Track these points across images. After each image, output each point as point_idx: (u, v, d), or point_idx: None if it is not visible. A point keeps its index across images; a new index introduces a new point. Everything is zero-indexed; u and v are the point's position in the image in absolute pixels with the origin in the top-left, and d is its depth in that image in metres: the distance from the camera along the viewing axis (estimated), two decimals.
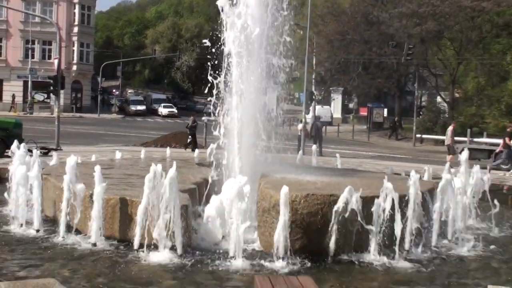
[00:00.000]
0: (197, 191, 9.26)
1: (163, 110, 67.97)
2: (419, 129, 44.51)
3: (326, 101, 61.59)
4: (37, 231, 8.46)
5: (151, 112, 69.17)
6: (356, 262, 7.58)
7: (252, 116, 9.94)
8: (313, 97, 36.77)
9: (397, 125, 49.17)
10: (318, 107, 50.62)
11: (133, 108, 67.15)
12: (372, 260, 7.63)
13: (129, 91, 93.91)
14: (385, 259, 7.64)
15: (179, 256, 7.33)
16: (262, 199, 8.02)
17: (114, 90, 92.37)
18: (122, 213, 7.92)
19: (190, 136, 26.34)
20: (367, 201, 7.75)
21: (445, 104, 48.43)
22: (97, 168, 7.90)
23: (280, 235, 7.30)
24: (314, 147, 17.96)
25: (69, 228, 8.26)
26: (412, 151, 37.72)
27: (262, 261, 7.33)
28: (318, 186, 8.68)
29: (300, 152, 16.35)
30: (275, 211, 7.66)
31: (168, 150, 15.60)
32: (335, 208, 7.49)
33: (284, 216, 7.32)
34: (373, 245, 7.72)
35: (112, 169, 11.13)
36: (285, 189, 7.37)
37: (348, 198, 7.50)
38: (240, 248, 7.27)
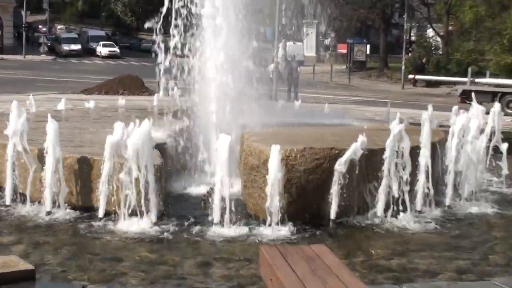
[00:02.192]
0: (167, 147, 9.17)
1: (102, 50, 66.87)
2: (408, 68, 44.93)
3: (297, 36, 61.40)
4: None
5: (88, 52, 67.91)
6: (363, 225, 7.70)
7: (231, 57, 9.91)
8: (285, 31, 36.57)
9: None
10: (289, 43, 50.39)
11: (65, 47, 65.80)
12: (380, 222, 7.76)
13: (59, 27, 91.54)
14: (395, 220, 7.78)
15: (154, 224, 7.32)
16: (249, 154, 8.00)
17: (40, 26, 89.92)
18: (82, 174, 7.81)
19: None
20: (374, 155, 7.84)
21: (438, 39, 48.88)
22: (50, 119, 7.73)
23: (272, 197, 7.30)
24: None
25: (16, 195, 8.13)
26: (401, 95, 38.20)
27: (252, 228, 7.36)
28: (315, 137, 8.70)
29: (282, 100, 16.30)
30: (265, 169, 7.63)
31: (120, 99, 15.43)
32: (338, 163, 7.53)
33: (276, 174, 7.31)
34: (380, 205, 7.83)
35: (60, 122, 10.91)
36: (277, 144, 7.35)
37: (357, 151, 7.54)
38: (226, 214, 7.27)
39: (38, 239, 6.90)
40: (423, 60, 46.21)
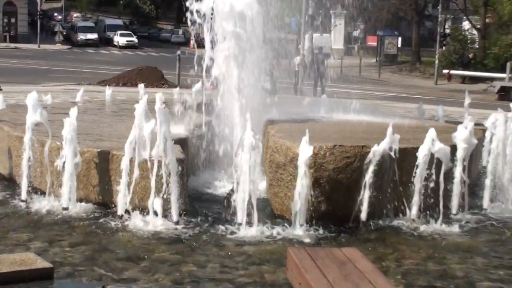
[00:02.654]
0: (188, 142, 9.22)
1: (120, 40, 67.27)
2: (442, 63, 44.58)
3: (324, 27, 61.21)
4: None
5: (105, 41, 68.38)
6: (395, 228, 7.68)
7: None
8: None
9: None
10: (316, 35, 50.27)
11: (82, 36, 66.35)
12: (413, 225, 7.73)
13: (75, 15, 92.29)
14: (428, 224, 7.74)
15: (175, 223, 7.35)
16: (276, 151, 8.00)
17: (55, 14, 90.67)
18: (100, 169, 7.87)
19: None
20: (408, 154, 7.81)
21: (475, 32, 48.40)
22: (73, 112, 7.80)
23: (300, 197, 7.31)
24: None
25: (32, 190, 8.23)
26: (434, 91, 37.93)
27: (278, 229, 7.36)
28: (344, 134, 8.67)
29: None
30: (292, 167, 7.66)
31: (141, 88, 15.45)
32: (368, 160, 7.53)
33: (305, 173, 7.31)
34: (415, 207, 7.79)
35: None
36: (305, 140, 7.34)
37: (390, 148, 7.51)
38: (250, 214, 7.28)
39: (54, 237, 6.96)
40: (470, 55, 45.69)
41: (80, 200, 7.92)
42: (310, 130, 7.92)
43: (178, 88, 17.53)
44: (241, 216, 7.33)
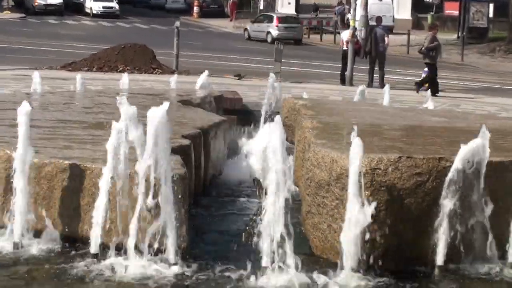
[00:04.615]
0: (191, 150, 9.28)
1: (93, 5, 67.99)
2: None
3: None
4: None
5: (73, 8, 68.90)
6: (483, 275, 7.67)
7: None
8: None
9: None
10: (372, 1, 50.25)
11: (40, 1, 66.71)
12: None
13: None
14: None
15: (172, 265, 7.38)
16: (316, 165, 8.02)
17: None
18: (68, 190, 7.92)
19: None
20: (506, 169, 7.83)
21: None
22: (24, 109, 7.83)
23: (349, 230, 7.31)
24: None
25: None
26: None
27: (319, 276, 7.36)
28: (414, 141, 8.68)
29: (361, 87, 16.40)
30: (339, 187, 7.67)
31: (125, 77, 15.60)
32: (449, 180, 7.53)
33: (358, 196, 7.30)
34: None
35: (35, 111, 11.09)
36: (357, 145, 7.33)
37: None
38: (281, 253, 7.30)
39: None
40: None
41: (38, 233, 7.95)
42: (364, 134, 7.94)
43: (176, 75, 17.69)
44: (267, 257, 7.33)
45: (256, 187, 8.11)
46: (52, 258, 7.67)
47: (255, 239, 7.44)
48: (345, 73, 28.60)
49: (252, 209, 9.56)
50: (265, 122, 15.12)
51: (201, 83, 15.74)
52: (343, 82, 28.53)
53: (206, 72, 16.28)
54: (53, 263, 7.53)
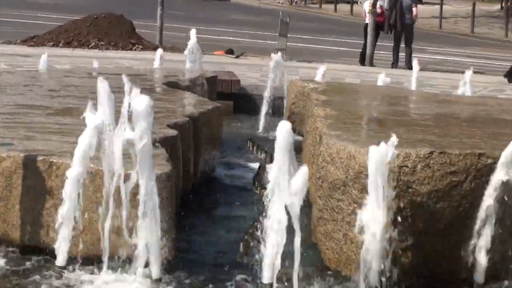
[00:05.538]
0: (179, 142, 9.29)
1: None
2: None
3: None
4: None
5: None
6: None
7: None
8: None
9: None
10: None
11: None
12: None
13: None
14: None
15: (155, 282, 7.38)
16: (330, 161, 8.00)
17: None
18: (30, 189, 7.91)
19: None
20: None
21: None
22: None
23: (371, 241, 7.31)
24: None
25: None
26: None
27: None
28: (448, 132, 8.75)
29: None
30: (358, 188, 7.66)
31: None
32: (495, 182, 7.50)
33: (381, 199, 7.30)
34: None
35: None
36: (379, 142, 7.34)
37: None
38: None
39: None
40: None
41: None
42: (388, 122, 7.95)
43: (160, 50, 17.72)
44: (269, 273, 7.33)
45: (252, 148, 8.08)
46: (8, 272, 7.63)
47: (254, 249, 7.52)
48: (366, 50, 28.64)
49: (251, 212, 9.57)
50: (267, 109, 15.20)
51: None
52: (363, 61, 28.54)
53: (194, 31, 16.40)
54: (9, 279, 7.50)
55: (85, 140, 7.43)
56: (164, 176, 7.62)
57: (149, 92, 7.77)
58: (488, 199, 7.54)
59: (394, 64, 27.67)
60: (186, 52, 16.37)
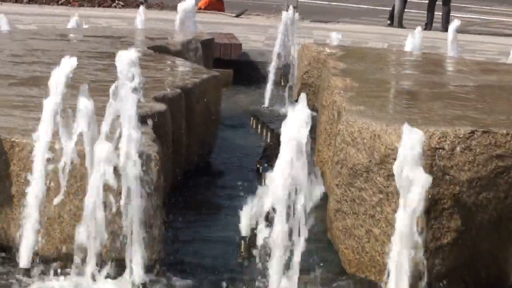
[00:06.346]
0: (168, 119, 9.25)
1: None
2: None
3: None
4: None
5: None
6: None
7: None
8: None
9: None
10: None
11: None
12: None
13: None
14: None
15: (141, 286, 7.37)
16: (350, 142, 7.92)
17: None
18: None
19: None
20: None
21: None
22: None
23: (401, 239, 7.22)
24: None
25: None
26: None
27: None
28: (494, 107, 8.73)
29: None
30: (385, 175, 7.59)
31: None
32: None
33: (411, 188, 7.20)
34: None
35: None
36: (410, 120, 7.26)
37: None
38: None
39: None
40: None
41: None
42: (421, 96, 7.85)
43: (142, 8, 17.72)
44: (276, 280, 7.30)
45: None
46: None
47: (258, 250, 7.41)
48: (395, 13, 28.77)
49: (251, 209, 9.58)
50: (274, 78, 15.20)
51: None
52: (392, 21, 28.61)
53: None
54: None
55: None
56: (150, 158, 7.53)
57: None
58: None
59: (429, 25, 27.71)
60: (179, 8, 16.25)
